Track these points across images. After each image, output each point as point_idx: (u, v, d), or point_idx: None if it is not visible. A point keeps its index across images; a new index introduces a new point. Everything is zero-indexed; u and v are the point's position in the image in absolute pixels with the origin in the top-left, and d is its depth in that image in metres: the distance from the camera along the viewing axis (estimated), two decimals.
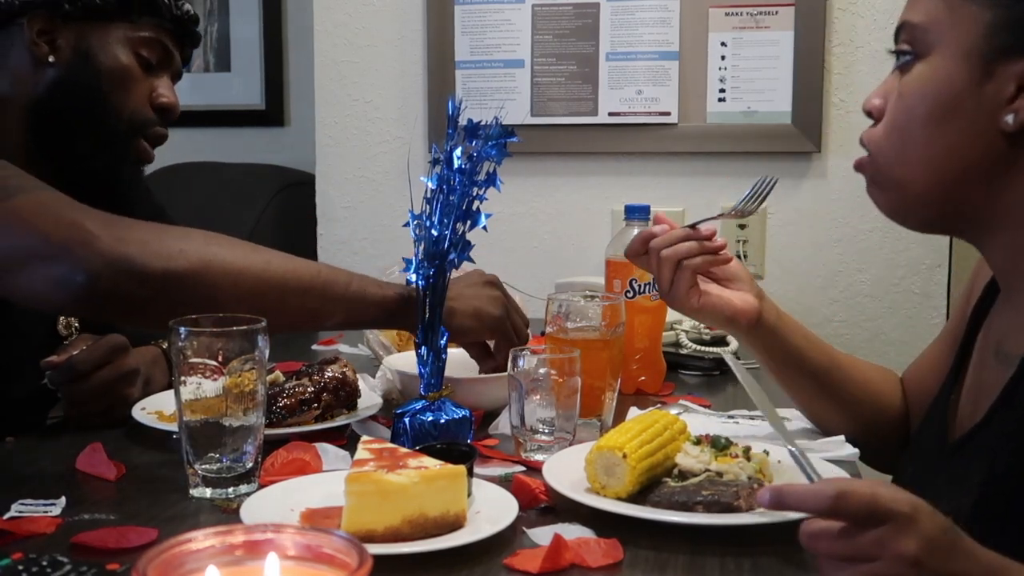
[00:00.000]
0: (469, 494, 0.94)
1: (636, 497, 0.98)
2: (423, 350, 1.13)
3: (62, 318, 1.40)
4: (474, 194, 1.10)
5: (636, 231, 1.54)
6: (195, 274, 1.08)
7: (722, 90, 2.07)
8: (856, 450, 1.14)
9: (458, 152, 1.09)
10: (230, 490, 1.00)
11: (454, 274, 1.16)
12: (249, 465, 1.01)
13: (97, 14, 1.34)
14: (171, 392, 1.06)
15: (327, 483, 0.97)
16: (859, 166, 0.98)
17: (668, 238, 1.14)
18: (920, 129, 0.89)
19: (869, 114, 0.96)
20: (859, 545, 0.70)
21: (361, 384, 1.30)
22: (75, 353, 1.22)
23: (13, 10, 1.33)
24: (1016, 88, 0.85)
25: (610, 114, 2.11)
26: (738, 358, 1.29)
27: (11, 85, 1.35)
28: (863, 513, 0.70)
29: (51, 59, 1.33)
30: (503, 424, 1.22)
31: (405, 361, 1.35)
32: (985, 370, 0.95)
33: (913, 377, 1.23)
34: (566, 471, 1.02)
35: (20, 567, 0.79)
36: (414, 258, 1.11)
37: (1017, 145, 0.86)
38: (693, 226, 1.18)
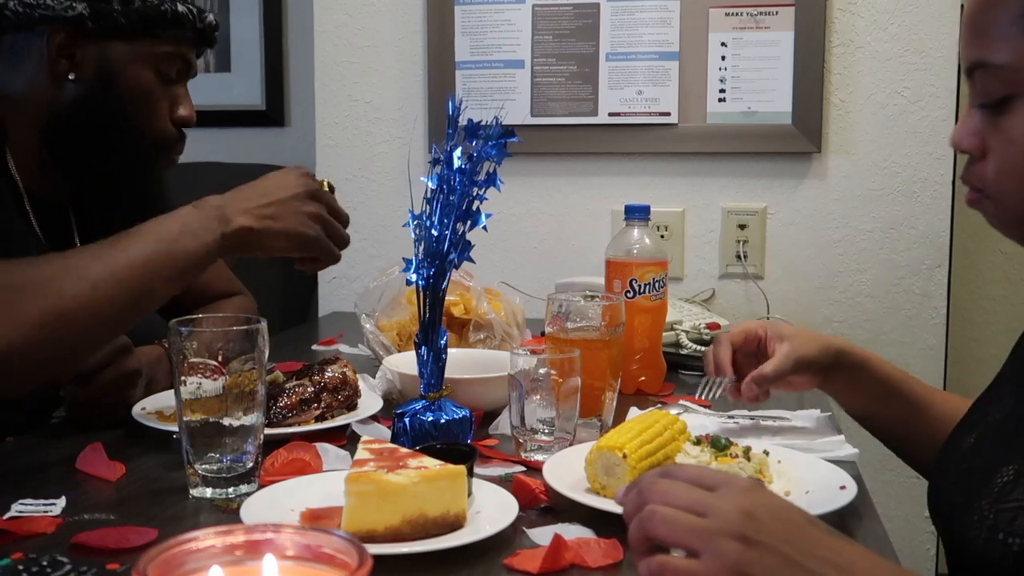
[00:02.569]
0: (469, 494, 0.94)
1: None
2: (423, 350, 1.13)
3: None
4: (474, 194, 1.10)
5: (636, 231, 1.54)
6: (31, 343, 1.02)
7: (722, 90, 2.07)
8: (856, 450, 1.14)
9: (458, 152, 1.09)
10: (230, 490, 1.00)
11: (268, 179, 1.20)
12: (249, 465, 1.01)
13: (120, 31, 1.29)
14: (171, 392, 1.06)
15: (327, 483, 0.97)
16: (976, 204, 0.94)
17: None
18: None
19: (965, 152, 0.93)
20: (691, 495, 0.68)
21: (361, 384, 1.30)
22: None
23: (33, 21, 1.29)
24: None
25: (610, 114, 2.11)
26: None
27: (27, 90, 1.31)
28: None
29: (71, 76, 1.29)
30: (503, 424, 1.22)
31: (405, 361, 1.35)
32: None
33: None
34: (566, 471, 1.02)
35: (20, 567, 0.79)
36: (414, 258, 1.11)
37: None
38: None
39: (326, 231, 1.24)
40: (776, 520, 0.67)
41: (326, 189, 1.27)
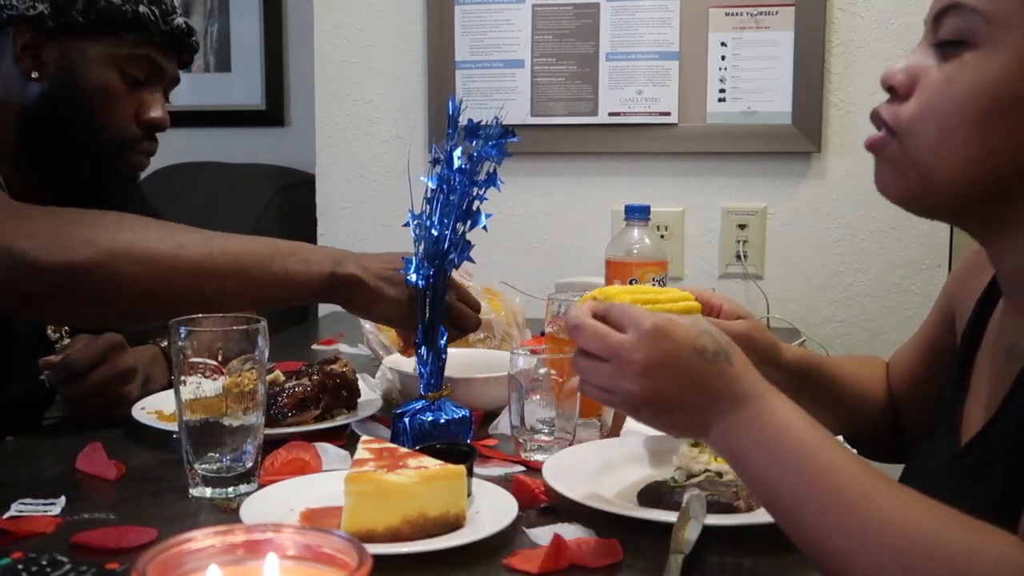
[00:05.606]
0: (469, 494, 0.94)
1: (637, 497, 0.98)
2: (423, 350, 1.13)
3: None
4: (474, 194, 1.10)
5: (636, 231, 1.54)
6: (99, 265, 1.04)
7: (722, 90, 2.07)
8: (854, 451, 1.14)
9: (458, 152, 1.09)
10: (230, 490, 1.00)
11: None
12: (249, 465, 1.01)
13: (81, 30, 1.31)
14: (171, 392, 1.06)
15: (327, 483, 0.97)
16: (877, 144, 0.90)
17: None
18: (964, 124, 0.84)
19: (891, 89, 0.89)
20: (605, 344, 0.83)
21: (361, 384, 1.30)
22: (71, 352, 1.22)
23: (1, 21, 1.31)
24: None
25: (610, 114, 2.11)
26: None
27: (5, 79, 1.33)
28: (618, 319, 0.84)
29: (35, 75, 1.31)
30: (503, 424, 1.22)
31: (405, 361, 1.35)
32: (996, 374, 0.94)
33: (896, 366, 1.24)
34: (566, 471, 1.02)
35: (20, 566, 0.79)
36: (414, 258, 1.11)
37: None
38: None
39: (455, 310, 1.22)
40: (668, 364, 0.81)
41: None
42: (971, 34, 0.84)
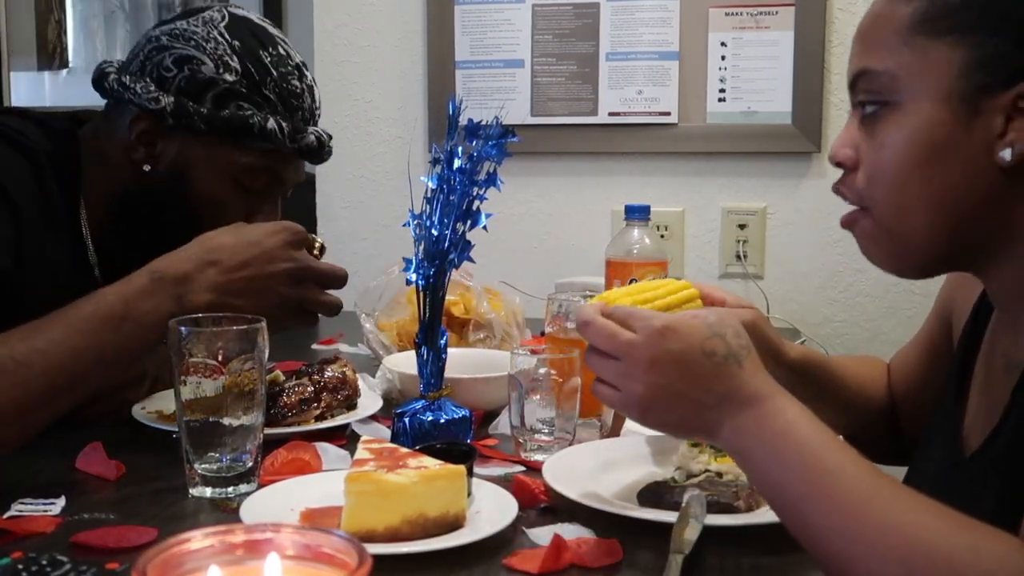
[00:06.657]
0: (469, 494, 0.94)
1: (637, 497, 0.98)
2: (423, 350, 1.13)
3: None
4: (474, 194, 1.10)
5: (636, 231, 1.54)
6: None
7: (722, 90, 2.07)
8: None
9: (458, 152, 1.09)
10: (230, 489, 1.00)
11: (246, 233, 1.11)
12: (249, 464, 1.01)
13: (200, 134, 1.22)
14: (171, 391, 1.06)
15: (327, 483, 0.97)
16: (850, 222, 0.97)
17: None
18: (914, 176, 0.88)
19: (840, 165, 0.95)
20: (614, 343, 0.84)
21: (361, 384, 1.30)
22: None
23: (121, 99, 1.24)
24: (1004, 120, 0.83)
25: (610, 114, 2.11)
26: None
27: (113, 157, 1.25)
28: (627, 319, 0.85)
29: (147, 167, 1.23)
30: (503, 424, 1.22)
31: (405, 361, 1.35)
32: (993, 387, 0.94)
33: (897, 367, 1.24)
34: (566, 471, 1.02)
35: (20, 566, 0.79)
36: (414, 258, 1.11)
37: (1015, 175, 0.84)
38: None
39: (307, 306, 1.16)
40: (675, 363, 0.82)
41: (316, 252, 1.20)
42: (885, 93, 0.90)
